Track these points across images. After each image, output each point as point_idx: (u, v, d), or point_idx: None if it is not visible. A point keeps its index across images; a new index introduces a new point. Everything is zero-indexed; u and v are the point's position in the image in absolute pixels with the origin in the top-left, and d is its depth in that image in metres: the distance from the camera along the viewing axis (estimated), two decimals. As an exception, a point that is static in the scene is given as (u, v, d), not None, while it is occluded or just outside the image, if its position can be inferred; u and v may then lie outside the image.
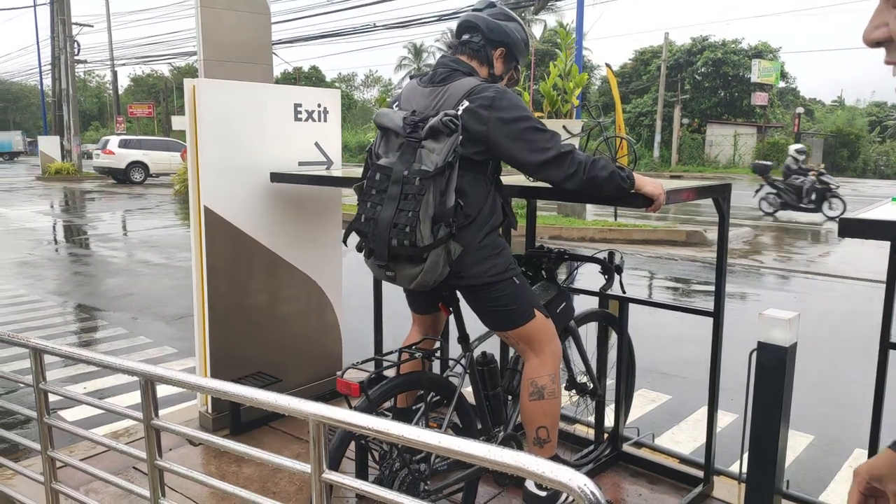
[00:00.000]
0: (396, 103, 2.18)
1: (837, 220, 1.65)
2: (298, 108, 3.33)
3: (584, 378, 2.86)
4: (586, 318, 2.86)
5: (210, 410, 3.27)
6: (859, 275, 8.32)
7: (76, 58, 27.07)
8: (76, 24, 26.85)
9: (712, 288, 2.40)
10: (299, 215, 3.40)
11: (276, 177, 3.20)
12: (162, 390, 4.23)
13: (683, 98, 31.59)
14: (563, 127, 2.56)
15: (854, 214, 1.69)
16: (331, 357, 3.65)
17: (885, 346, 2.28)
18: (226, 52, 3.27)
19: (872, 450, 2.35)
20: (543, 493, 2.13)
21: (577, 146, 2.61)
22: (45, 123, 32.32)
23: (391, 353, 2.08)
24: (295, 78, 49.03)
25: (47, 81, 29.82)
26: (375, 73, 61.83)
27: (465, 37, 2.15)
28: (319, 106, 3.43)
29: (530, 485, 2.16)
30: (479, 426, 2.35)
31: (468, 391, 2.34)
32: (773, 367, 2.38)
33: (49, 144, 26.50)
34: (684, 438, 3.78)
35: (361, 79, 61.88)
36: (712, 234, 10.91)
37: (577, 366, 2.82)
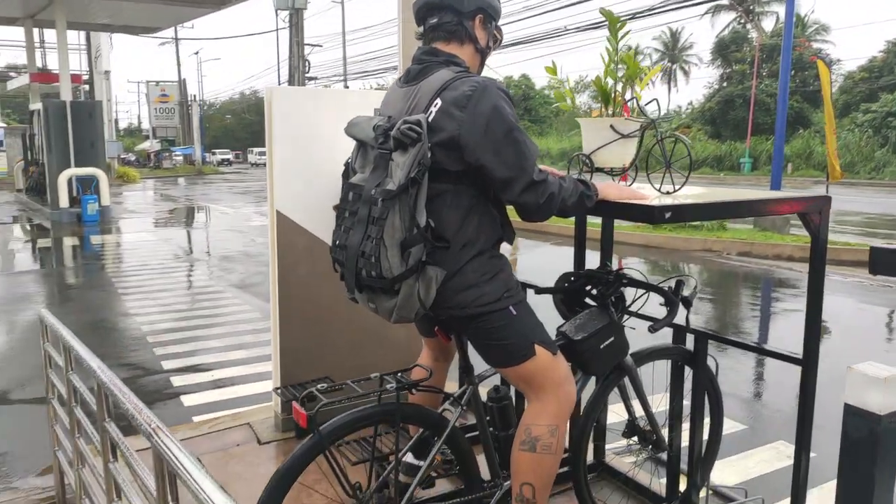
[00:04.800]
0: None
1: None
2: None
3: (646, 425, 2.43)
4: (652, 354, 2.42)
5: (280, 412, 3.34)
6: None
7: (307, 75, 30.31)
8: (307, 44, 30.03)
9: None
10: (376, 222, 3.34)
11: (348, 183, 3.18)
12: (250, 388, 4.55)
13: (947, 94, 26.55)
14: (611, 126, 2.18)
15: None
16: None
17: None
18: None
19: None
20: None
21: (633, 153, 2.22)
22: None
23: (356, 381, 1.87)
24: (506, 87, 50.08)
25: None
26: (585, 77, 60.71)
27: (433, 20, 1.84)
28: (402, 110, 3.35)
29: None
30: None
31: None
32: (863, 438, 1.80)
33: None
34: (814, 510, 3.06)
35: (572, 84, 61.10)
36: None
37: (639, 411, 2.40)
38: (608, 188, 1.90)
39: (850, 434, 1.83)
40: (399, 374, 1.88)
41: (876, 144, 28.07)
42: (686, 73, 54.58)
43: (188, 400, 4.36)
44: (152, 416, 1.31)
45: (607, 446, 3.01)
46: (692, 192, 2.15)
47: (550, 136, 43.04)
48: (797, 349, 2.02)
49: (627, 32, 2.17)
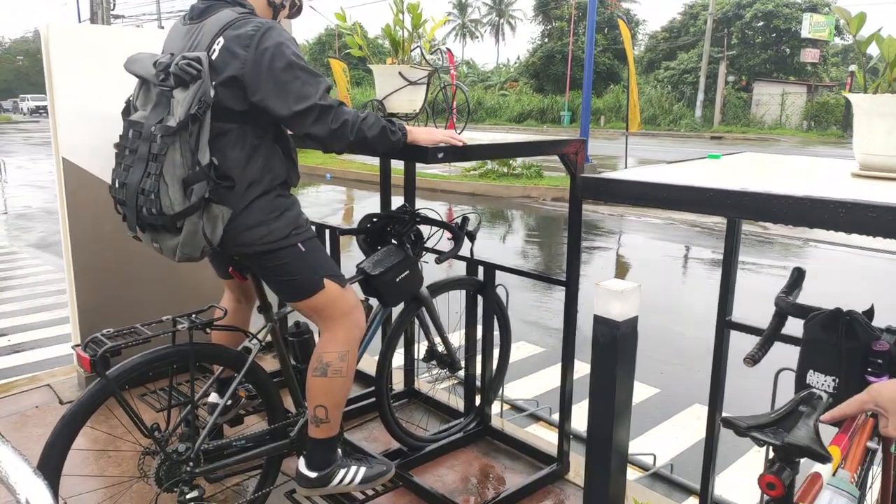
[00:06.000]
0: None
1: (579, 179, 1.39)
2: (173, 55, 3.14)
3: (443, 349, 2.66)
4: (446, 285, 2.64)
5: (82, 370, 3.20)
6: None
7: (112, 13, 27.35)
8: (110, -22, 26.98)
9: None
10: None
11: (144, 128, 3.04)
12: (53, 351, 4.29)
13: (731, 54, 30.02)
14: (399, 73, 2.31)
15: (603, 173, 1.43)
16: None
17: (722, 324, 2.01)
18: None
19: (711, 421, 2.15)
20: (314, 474, 1.97)
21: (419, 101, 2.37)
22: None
23: (146, 324, 1.86)
24: (338, 34, 48.76)
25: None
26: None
27: None
28: (200, 53, 3.23)
29: (301, 465, 2.00)
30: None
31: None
32: (607, 343, 2.14)
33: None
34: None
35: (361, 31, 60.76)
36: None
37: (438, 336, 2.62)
38: (418, 132, 1.95)
39: (598, 339, 2.16)
40: (193, 315, 1.91)
41: (674, 99, 31.17)
42: (513, 28, 56.51)
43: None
44: None
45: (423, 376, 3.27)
46: (478, 137, 2.36)
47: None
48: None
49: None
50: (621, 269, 7.25)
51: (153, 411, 2.79)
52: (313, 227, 1.97)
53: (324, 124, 1.75)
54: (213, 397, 2.29)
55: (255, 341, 2.05)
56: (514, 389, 3.91)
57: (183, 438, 1.93)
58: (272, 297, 2.09)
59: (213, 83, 1.69)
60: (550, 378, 4.07)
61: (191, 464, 1.87)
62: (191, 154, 1.67)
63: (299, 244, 1.86)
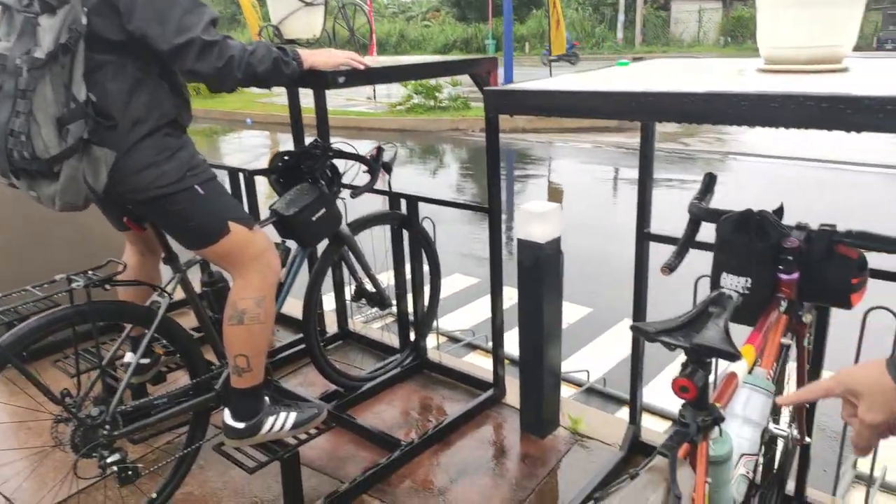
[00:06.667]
0: None
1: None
2: None
3: (371, 287, 2.60)
4: (369, 221, 2.55)
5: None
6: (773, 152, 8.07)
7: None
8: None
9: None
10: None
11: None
12: None
13: (649, -28, 29.95)
14: (292, -4, 2.15)
15: (506, 86, 1.35)
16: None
17: (641, 237, 2.02)
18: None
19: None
20: (241, 425, 1.90)
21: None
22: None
23: (38, 285, 1.72)
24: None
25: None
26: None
27: None
28: None
29: (227, 417, 1.93)
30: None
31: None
32: (532, 265, 2.13)
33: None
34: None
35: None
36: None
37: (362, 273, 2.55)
38: (316, 56, 1.81)
39: (523, 262, 2.15)
40: (90, 272, 1.77)
41: (595, 21, 31.04)
42: (430, -45, 54.53)
43: None
44: None
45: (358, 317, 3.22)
46: (385, 60, 2.24)
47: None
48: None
49: None
50: (554, 195, 7.29)
51: (69, 378, 2.65)
52: (213, 170, 1.83)
53: (207, 61, 1.61)
54: (129, 357, 2.17)
55: (163, 295, 1.93)
56: (452, 321, 3.91)
57: (97, 402, 1.83)
58: (178, 247, 1.96)
59: (85, 9, 1.52)
60: (486, 307, 4.06)
61: (107, 427, 1.78)
62: (64, 89, 1.50)
63: (196, 186, 1.73)
